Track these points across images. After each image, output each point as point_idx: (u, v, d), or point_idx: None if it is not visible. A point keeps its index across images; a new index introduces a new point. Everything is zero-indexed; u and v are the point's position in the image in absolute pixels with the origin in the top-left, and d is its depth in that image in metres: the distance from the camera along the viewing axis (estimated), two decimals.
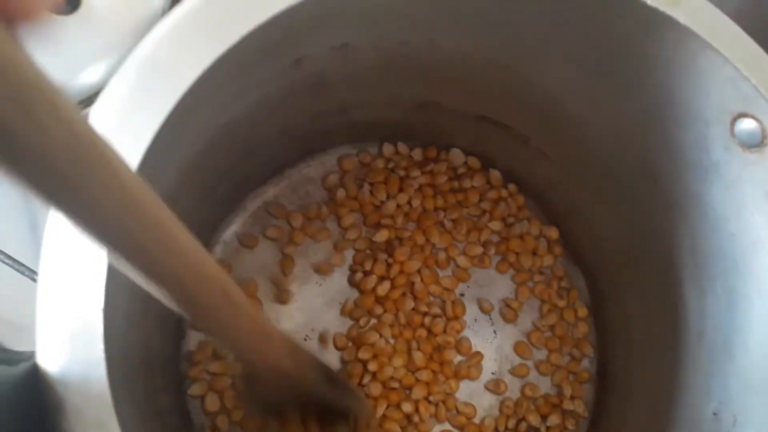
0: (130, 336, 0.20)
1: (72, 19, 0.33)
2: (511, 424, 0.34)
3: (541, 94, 0.29)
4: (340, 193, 0.35)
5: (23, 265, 0.32)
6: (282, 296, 0.34)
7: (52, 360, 0.15)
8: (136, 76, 0.19)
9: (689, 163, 0.26)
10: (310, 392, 0.22)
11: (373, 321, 0.34)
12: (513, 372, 0.35)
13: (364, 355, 0.33)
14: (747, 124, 0.22)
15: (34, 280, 0.33)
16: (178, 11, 0.20)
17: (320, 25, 0.23)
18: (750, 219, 0.24)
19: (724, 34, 0.21)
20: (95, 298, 0.16)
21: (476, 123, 0.33)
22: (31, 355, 0.16)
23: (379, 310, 0.34)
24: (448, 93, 0.31)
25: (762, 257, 0.24)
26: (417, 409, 0.33)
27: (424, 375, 0.33)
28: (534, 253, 0.36)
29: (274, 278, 0.34)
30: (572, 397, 0.34)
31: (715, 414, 0.25)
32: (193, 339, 0.32)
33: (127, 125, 0.19)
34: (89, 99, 0.34)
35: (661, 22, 0.21)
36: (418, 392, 0.33)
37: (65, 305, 0.16)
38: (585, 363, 0.35)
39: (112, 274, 0.16)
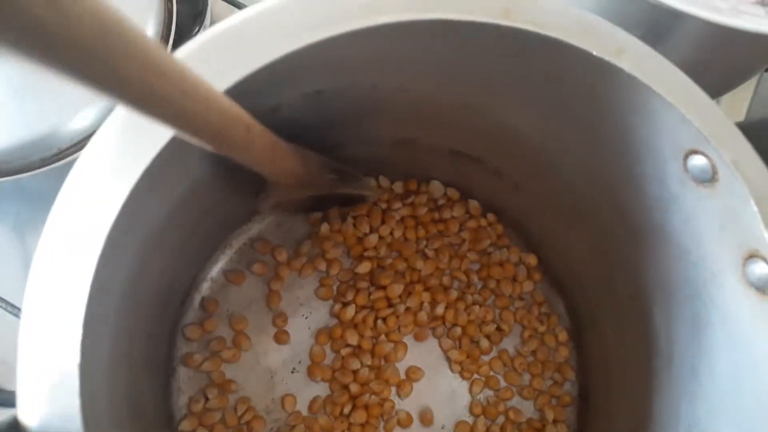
0: (114, 383, 0.21)
1: None
2: None
3: (510, 132, 0.30)
4: (324, 228, 0.36)
5: (16, 307, 0.33)
6: (280, 336, 0.35)
7: (31, 414, 0.16)
8: (124, 123, 0.20)
9: (651, 196, 0.27)
10: (325, 187, 0.29)
11: (350, 349, 0.35)
12: (497, 396, 0.35)
13: (344, 379, 0.34)
14: (698, 161, 0.23)
15: None
16: None
17: (294, 76, 0.24)
18: (709, 250, 0.25)
19: (668, 81, 0.22)
20: (72, 352, 0.17)
21: (452, 157, 0.34)
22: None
23: (354, 339, 0.35)
24: (422, 131, 0.32)
25: (722, 285, 0.25)
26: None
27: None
28: (514, 280, 0.37)
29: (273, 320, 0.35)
30: (555, 421, 0.35)
31: None
32: (183, 375, 0.33)
33: (114, 169, 0.20)
34: (81, 143, 0.36)
35: (609, 70, 0.22)
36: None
37: (44, 358, 0.17)
38: (567, 386, 0.36)
39: (90, 326, 0.17)
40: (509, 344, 0.36)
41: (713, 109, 0.22)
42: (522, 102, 0.27)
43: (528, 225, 0.37)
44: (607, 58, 0.21)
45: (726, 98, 0.49)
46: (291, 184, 0.26)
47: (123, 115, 0.21)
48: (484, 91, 0.28)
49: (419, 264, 0.36)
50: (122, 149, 0.21)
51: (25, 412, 0.16)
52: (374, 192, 0.36)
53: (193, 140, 0.17)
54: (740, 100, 0.50)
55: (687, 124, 0.22)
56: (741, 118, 0.50)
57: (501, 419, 0.35)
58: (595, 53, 0.21)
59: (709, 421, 0.26)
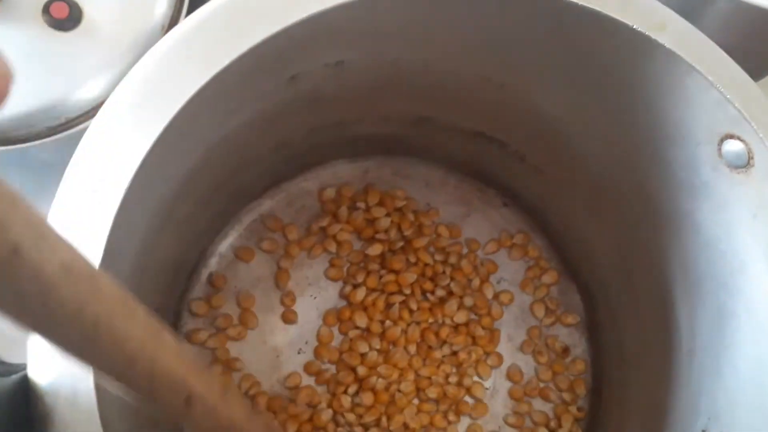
0: None
1: (73, 35, 0.34)
2: None
3: (536, 112, 0.29)
4: (341, 211, 0.35)
5: None
6: (287, 316, 0.34)
7: (42, 372, 0.16)
8: (135, 93, 0.20)
9: (680, 182, 0.26)
10: None
11: (358, 332, 0.34)
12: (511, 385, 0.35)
13: (351, 361, 0.33)
14: (733, 146, 0.23)
15: None
16: (176, 31, 0.21)
17: (315, 44, 0.24)
18: (739, 239, 0.24)
19: (709, 58, 0.21)
20: None
21: (472, 139, 0.33)
22: (24, 367, 0.16)
23: (363, 322, 0.34)
24: (443, 109, 0.31)
25: (751, 276, 0.24)
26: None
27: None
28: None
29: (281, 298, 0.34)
30: (567, 412, 0.34)
31: (704, 431, 0.25)
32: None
33: (125, 138, 0.19)
34: (89, 113, 0.35)
35: (648, 45, 0.21)
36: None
37: None
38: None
39: None
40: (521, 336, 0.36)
41: (755, 91, 0.21)
42: (551, 81, 0.26)
43: (547, 213, 0.36)
44: (647, 32, 0.20)
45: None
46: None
47: (136, 81, 0.20)
48: (513, 68, 0.27)
49: (428, 259, 0.35)
50: (135, 116, 0.20)
51: (36, 369, 0.16)
52: None
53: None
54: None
55: (725, 106, 0.22)
56: None
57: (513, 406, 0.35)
58: (635, 27, 0.20)
59: (729, 415, 0.25)
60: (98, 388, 0.15)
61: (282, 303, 0.34)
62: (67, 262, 0.10)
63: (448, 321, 0.34)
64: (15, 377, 0.15)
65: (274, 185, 0.36)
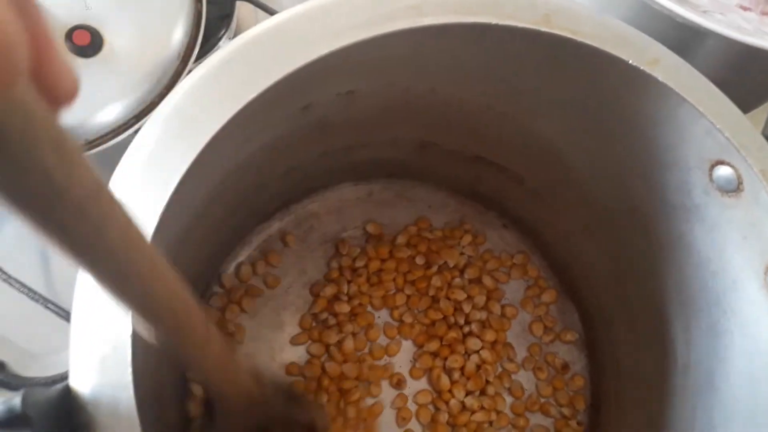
0: (160, 361, 0.21)
1: (94, 61, 0.35)
2: None
3: (535, 139, 0.30)
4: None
5: (37, 293, 0.33)
6: None
7: (83, 382, 0.17)
8: (162, 129, 0.21)
9: (674, 205, 0.27)
10: (276, 413, 0.24)
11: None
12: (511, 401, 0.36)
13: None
14: (724, 171, 0.24)
15: (47, 308, 0.34)
16: (199, 70, 0.22)
17: (328, 76, 0.25)
18: (730, 259, 0.25)
19: (699, 91, 0.23)
20: (124, 325, 0.17)
21: (473, 163, 0.35)
22: (38, 381, 0.17)
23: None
24: (447, 135, 0.33)
25: (742, 294, 0.25)
26: None
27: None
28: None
29: None
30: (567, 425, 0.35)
31: None
32: None
33: (154, 173, 0.20)
34: (108, 135, 0.36)
35: (643, 79, 0.23)
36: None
37: (96, 331, 0.17)
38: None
39: None
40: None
41: (742, 120, 0.23)
42: (551, 110, 0.28)
43: (546, 234, 0.37)
44: (642, 66, 0.22)
45: (747, 116, 0.49)
46: (240, 404, 0.22)
47: (158, 125, 0.21)
48: (514, 97, 0.28)
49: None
50: (157, 158, 0.21)
51: (78, 381, 0.17)
52: (322, 418, 0.29)
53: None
54: (760, 118, 0.51)
55: (715, 134, 0.23)
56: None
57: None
58: (630, 62, 0.22)
59: (724, 428, 0.26)
60: (138, 397, 0.16)
61: None
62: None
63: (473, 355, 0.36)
64: (57, 388, 0.16)
65: (283, 207, 0.37)
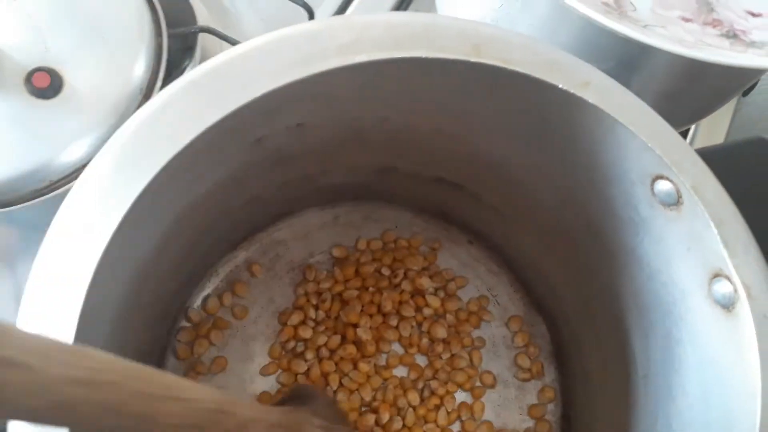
0: None
1: (54, 102, 0.36)
2: None
3: (487, 159, 0.31)
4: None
5: None
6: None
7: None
8: (116, 155, 0.21)
9: (622, 220, 0.28)
10: None
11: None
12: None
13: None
14: (664, 185, 0.25)
15: None
16: (149, 104, 0.23)
17: (276, 111, 0.26)
18: (677, 270, 0.26)
19: (630, 110, 0.23)
20: None
21: (434, 184, 0.35)
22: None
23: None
24: (403, 159, 0.33)
25: (690, 305, 0.26)
26: None
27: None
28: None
29: None
30: None
31: None
32: None
33: (99, 208, 0.21)
34: (72, 175, 0.37)
35: (575, 101, 0.23)
36: None
37: None
38: (550, 407, 0.37)
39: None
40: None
41: (674, 137, 0.24)
42: (497, 131, 0.28)
43: (509, 248, 0.38)
44: (572, 90, 0.23)
45: (704, 122, 0.50)
46: None
47: (116, 146, 0.22)
48: (461, 121, 0.29)
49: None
50: (113, 181, 0.22)
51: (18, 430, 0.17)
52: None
53: None
54: (719, 123, 0.52)
55: (650, 151, 0.24)
56: (720, 140, 0.51)
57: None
58: (561, 86, 0.23)
59: None
60: None
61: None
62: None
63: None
64: None
65: (249, 236, 0.37)
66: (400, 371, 0.36)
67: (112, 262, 0.22)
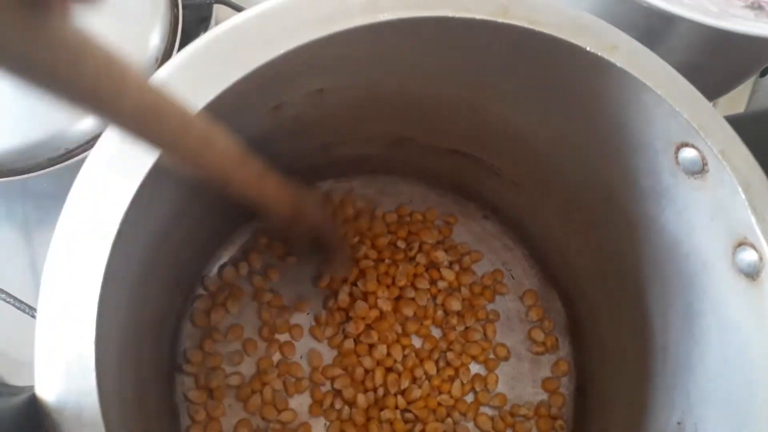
0: (123, 368, 0.21)
1: None
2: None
3: (508, 129, 0.31)
4: None
5: (24, 303, 0.34)
6: None
7: (49, 390, 0.17)
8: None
9: (644, 189, 0.27)
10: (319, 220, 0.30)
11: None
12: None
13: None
14: (688, 153, 0.24)
15: (35, 317, 0.34)
16: (163, 69, 0.22)
17: (296, 74, 0.25)
18: (700, 241, 0.26)
19: (658, 75, 0.23)
20: (88, 332, 0.17)
21: (450, 156, 0.35)
22: (31, 389, 0.18)
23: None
24: (421, 129, 0.33)
25: (713, 276, 0.25)
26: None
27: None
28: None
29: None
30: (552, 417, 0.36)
31: (679, 423, 0.27)
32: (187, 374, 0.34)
33: (116, 177, 0.21)
34: (88, 143, 0.36)
35: (602, 65, 0.23)
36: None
37: (61, 339, 0.17)
38: (564, 380, 0.37)
39: (104, 310, 0.18)
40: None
41: (702, 103, 0.23)
42: (519, 99, 0.28)
43: (525, 222, 0.37)
44: (600, 53, 0.22)
45: (722, 101, 0.49)
46: (284, 213, 0.27)
47: None
48: (482, 88, 0.28)
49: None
50: (127, 150, 0.21)
51: (43, 388, 0.17)
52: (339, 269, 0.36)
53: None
54: (736, 103, 0.51)
55: (677, 117, 0.23)
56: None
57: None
58: (588, 49, 0.22)
59: (701, 408, 0.26)
60: (103, 403, 0.17)
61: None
62: None
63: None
64: (23, 397, 0.17)
65: None
66: (416, 342, 0.36)
67: (132, 225, 0.22)
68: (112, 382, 0.19)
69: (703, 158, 0.24)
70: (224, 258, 0.36)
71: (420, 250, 0.37)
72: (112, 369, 0.19)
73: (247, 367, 0.34)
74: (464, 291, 0.37)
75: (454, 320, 0.36)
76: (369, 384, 0.34)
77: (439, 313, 0.36)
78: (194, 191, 0.28)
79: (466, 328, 0.36)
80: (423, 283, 0.37)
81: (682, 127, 0.24)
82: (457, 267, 0.38)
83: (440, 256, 0.37)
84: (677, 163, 0.25)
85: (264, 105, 0.27)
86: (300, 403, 0.34)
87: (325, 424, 0.34)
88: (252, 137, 0.29)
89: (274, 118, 0.28)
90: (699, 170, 0.24)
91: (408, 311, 0.36)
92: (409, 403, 0.34)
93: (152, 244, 0.27)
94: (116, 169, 0.21)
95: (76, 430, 0.16)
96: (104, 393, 0.17)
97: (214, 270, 0.36)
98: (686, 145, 0.24)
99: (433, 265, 0.37)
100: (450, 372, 0.35)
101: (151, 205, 0.24)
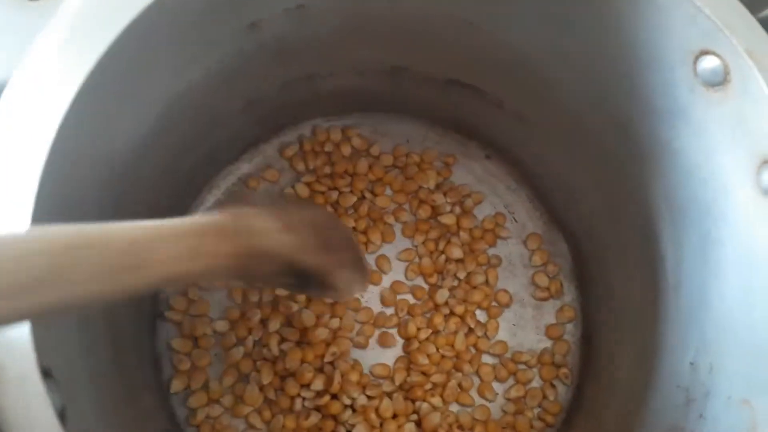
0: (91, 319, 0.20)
1: (43, 3, 0.33)
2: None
3: (507, 51, 0.28)
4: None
5: None
6: None
7: None
8: (64, 29, 0.19)
9: (657, 110, 0.25)
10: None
11: None
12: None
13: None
14: (709, 62, 0.22)
15: None
16: None
17: None
18: (719, 163, 0.23)
19: None
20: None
21: (448, 87, 0.33)
22: None
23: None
24: (415, 56, 0.31)
25: (733, 200, 0.23)
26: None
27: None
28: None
29: None
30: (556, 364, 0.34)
31: (692, 363, 0.25)
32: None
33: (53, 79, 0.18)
34: None
35: None
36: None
37: None
38: (569, 327, 0.35)
39: None
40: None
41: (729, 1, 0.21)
42: (520, 16, 0.26)
43: (529, 161, 0.35)
44: None
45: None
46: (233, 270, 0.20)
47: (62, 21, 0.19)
48: (479, 5, 0.26)
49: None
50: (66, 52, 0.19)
51: None
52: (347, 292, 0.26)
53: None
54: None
55: (699, 19, 0.21)
56: None
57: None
58: None
59: (717, 344, 0.24)
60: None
61: None
62: None
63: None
64: None
65: (251, 147, 0.35)
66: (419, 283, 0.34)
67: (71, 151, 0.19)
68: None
69: (726, 66, 0.21)
70: (208, 202, 0.34)
71: (419, 203, 0.35)
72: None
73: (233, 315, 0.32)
74: (464, 236, 0.35)
75: (453, 267, 0.34)
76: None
77: (440, 258, 0.34)
78: (169, 114, 0.26)
79: (468, 273, 0.34)
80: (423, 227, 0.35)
81: (703, 30, 0.21)
82: (458, 210, 0.35)
83: (438, 199, 0.35)
84: (696, 74, 0.22)
85: (238, 20, 0.25)
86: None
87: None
88: (229, 56, 0.26)
89: (253, 39, 0.26)
90: (720, 81, 0.22)
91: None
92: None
93: (120, 174, 0.25)
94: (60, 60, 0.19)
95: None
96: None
97: (199, 213, 0.34)
98: (707, 53, 0.22)
99: (433, 212, 0.35)
100: (455, 320, 0.33)
101: (114, 119, 0.22)
